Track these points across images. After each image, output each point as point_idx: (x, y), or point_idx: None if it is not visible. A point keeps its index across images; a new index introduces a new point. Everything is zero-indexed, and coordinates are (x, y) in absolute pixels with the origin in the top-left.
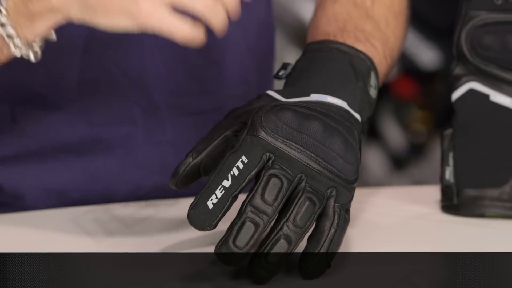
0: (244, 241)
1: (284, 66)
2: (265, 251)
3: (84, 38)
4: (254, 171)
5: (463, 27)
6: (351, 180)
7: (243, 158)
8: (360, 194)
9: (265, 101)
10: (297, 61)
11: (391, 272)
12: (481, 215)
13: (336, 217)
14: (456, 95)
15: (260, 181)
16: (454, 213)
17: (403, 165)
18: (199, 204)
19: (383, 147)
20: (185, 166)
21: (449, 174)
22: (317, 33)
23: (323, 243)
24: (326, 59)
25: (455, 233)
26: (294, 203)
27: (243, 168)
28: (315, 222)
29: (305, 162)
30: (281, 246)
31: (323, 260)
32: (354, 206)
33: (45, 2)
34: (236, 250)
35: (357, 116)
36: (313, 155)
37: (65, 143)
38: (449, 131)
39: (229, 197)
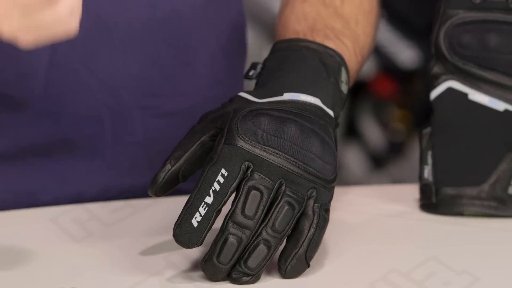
0: (227, 257)
1: (253, 65)
2: (245, 257)
3: None
4: (235, 183)
5: (441, 26)
6: (330, 179)
7: (223, 171)
8: (339, 192)
9: (239, 104)
10: (266, 60)
11: (369, 270)
12: (460, 214)
13: (315, 217)
14: (434, 93)
15: (240, 195)
16: (432, 211)
17: (382, 164)
18: (184, 222)
19: (362, 146)
20: (164, 174)
21: (427, 172)
22: (287, 32)
23: (303, 243)
24: (296, 58)
25: (434, 232)
26: (273, 208)
27: (223, 182)
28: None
29: (285, 167)
30: (260, 251)
31: (302, 260)
32: (333, 204)
33: None
34: (220, 266)
35: (331, 113)
36: (292, 159)
37: (32, 144)
38: (427, 130)
39: (213, 213)
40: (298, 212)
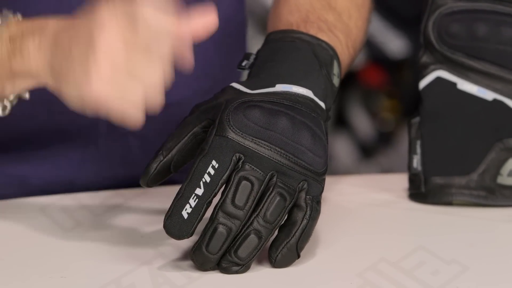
0: (217, 247)
1: (247, 56)
2: (235, 247)
3: None
4: (225, 175)
5: (430, 16)
6: (320, 172)
7: (214, 162)
8: (328, 182)
9: (231, 95)
10: (259, 51)
11: (358, 259)
12: (449, 203)
13: (308, 209)
14: (423, 83)
15: (230, 185)
16: (421, 201)
17: (371, 153)
18: (174, 214)
19: (351, 136)
20: (156, 164)
21: (416, 162)
22: (280, 23)
23: (295, 233)
24: (289, 49)
25: (423, 221)
26: (265, 199)
27: (214, 174)
28: (286, 215)
29: (275, 159)
30: (251, 241)
31: (293, 250)
32: (322, 194)
33: (27, 65)
34: (209, 256)
35: (322, 105)
36: (282, 151)
37: (26, 132)
38: (416, 120)
39: (203, 204)
40: (290, 204)
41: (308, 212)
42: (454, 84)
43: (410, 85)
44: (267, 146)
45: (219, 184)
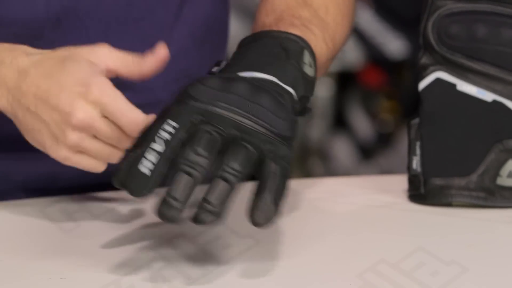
0: (179, 191)
1: (218, 63)
2: (205, 194)
3: (44, 26)
4: (184, 132)
5: (429, 17)
6: (286, 136)
7: (173, 123)
8: (328, 183)
9: None
10: (232, 56)
11: (358, 261)
12: (448, 204)
13: (273, 165)
14: (423, 84)
15: (191, 137)
16: (421, 202)
17: (370, 154)
18: (131, 167)
19: (351, 137)
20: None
21: (416, 163)
22: (256, 26)
23: (265, 186)
24: (257, 46)
25: (422, 222)
26: (228, 150)
27: (174, 132)
28: (253, 166)
29: (235, 119)
30: (219, 186)
31: (268, 203)
32: (321, 195)
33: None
34: (173, 202)
35: (290, 90)
36: (241, 111)
37: (8, 129)
38: (416, 121)
39: (165, 161)
40: (255, 155)
41: (274, 167)
42: (453, 85)
43: (409, 86)
44: (225, 107)
45: (178, 139)
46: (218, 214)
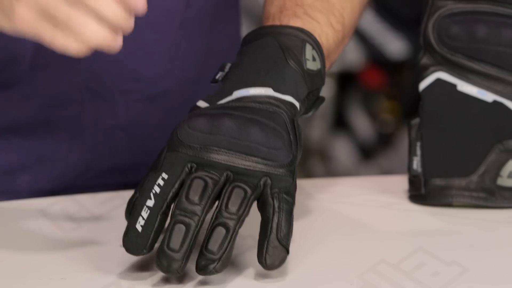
0: (177, 243)
1: (222, 67)
2: (205, 242)
3: None
4: (177, 183)
5: (430, 17)
6: (284, 164)
7: (163, 175)
8: (328, 183)
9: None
10: (233, 64)
11: (358, 261)
12: (449, 205)
13: (275, 201)
14: (423, 85)
15: (184, 186)
16: (421, 202)
17: (371, 154)
18: (129, 229)
19: (351, 137)
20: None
21: (416, 163)
22: (262, 16)
23: (271, 228)
24: (254, 50)
25: (423, 223)
26: (223, 193)
27: (164, 184)
28: (250, 206)
29: (227, 161)
30: (219, 233)
31: (276, 245)
32: (322, 196)
33: None
34: (171, 254)
35: (287, 98)
36: (232, 152)
37: (12, 124)
38: (416, 121)
39: (156, 215)
40: (252, 196)
41: (277, 204)
42: (454, 86)
43: (410, 86)
44: (216, 150)
45: (171, 192)
46: (222, 262)
